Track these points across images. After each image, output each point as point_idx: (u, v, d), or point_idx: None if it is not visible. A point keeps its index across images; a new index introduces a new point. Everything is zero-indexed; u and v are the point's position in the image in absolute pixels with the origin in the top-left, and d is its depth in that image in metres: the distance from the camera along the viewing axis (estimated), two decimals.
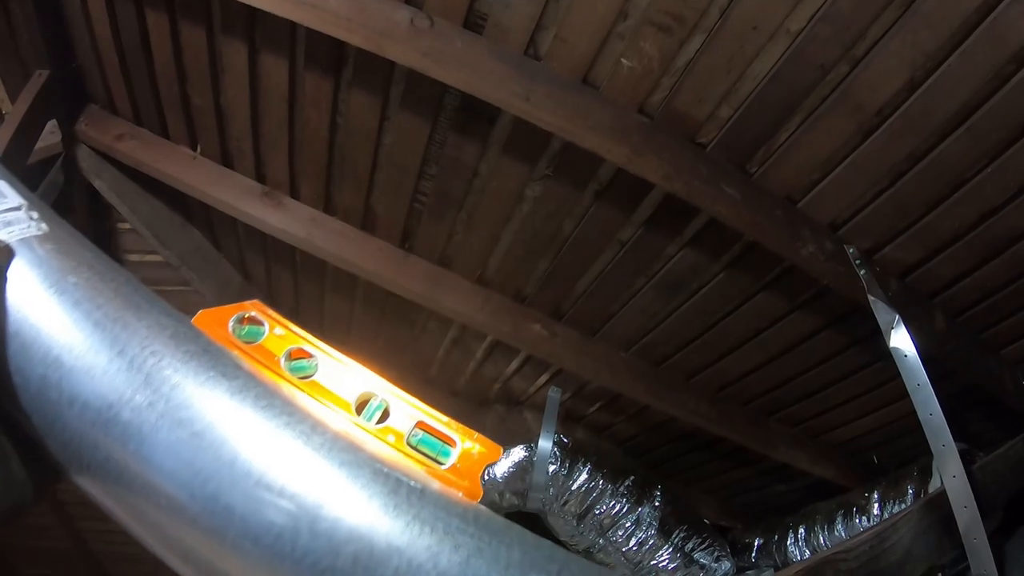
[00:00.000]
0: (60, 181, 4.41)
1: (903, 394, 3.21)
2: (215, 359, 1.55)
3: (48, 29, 3.81)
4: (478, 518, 1.56)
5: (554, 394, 4.96)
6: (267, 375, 1.76)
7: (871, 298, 3.24)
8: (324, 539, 1.41)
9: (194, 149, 4.28)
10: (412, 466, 1.87)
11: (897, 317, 3.17)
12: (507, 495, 4.97)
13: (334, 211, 4.26)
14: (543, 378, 5.14)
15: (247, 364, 1.64)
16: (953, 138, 2.84)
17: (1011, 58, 2.53)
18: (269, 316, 2.03)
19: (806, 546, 4.89)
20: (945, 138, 2.86)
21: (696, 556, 5.14)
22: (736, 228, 3.28)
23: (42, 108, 3.95)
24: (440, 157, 3.66)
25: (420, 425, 1.99)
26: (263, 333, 1.99)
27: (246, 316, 2.01)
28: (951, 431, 3.06)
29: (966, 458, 3.14)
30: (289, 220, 4.25)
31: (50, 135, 4.19)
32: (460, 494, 1.73)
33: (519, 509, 5.12)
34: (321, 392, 1.93)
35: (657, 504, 5.09)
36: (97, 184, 4.48)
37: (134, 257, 5.13)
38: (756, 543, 5.31)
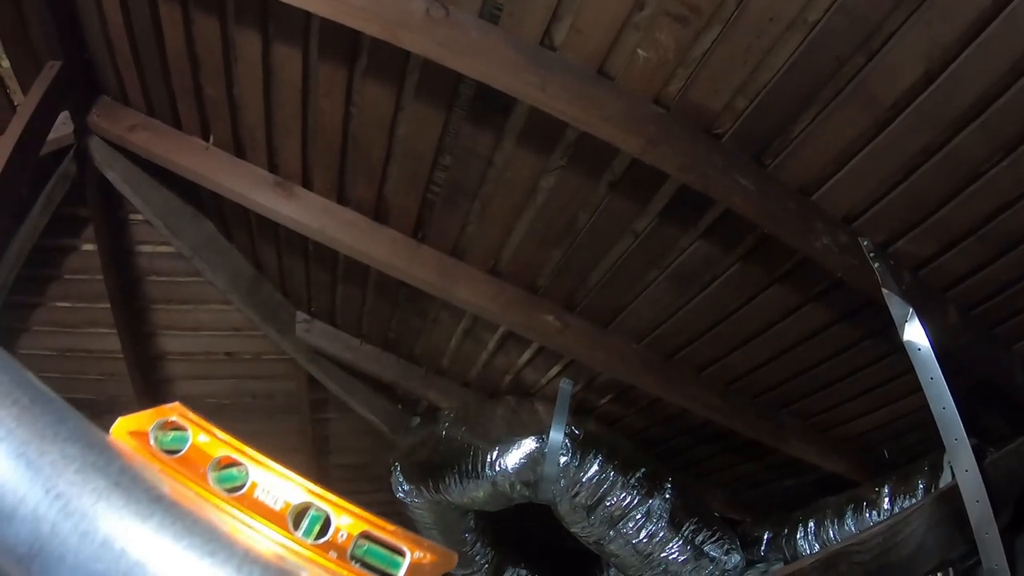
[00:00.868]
0: (72, 172, 4.44)
1: (914, 388, 3.21)
2: (127, 493, 1.45)
3: (60, 20, 3.81)
4: None
5: (565, 386, 4.97)
6: (191, 496, 1.66)
7: (885, 291, 3.23)
8: None
9: (206, 140, 4.28)
10: None
11: (911, 310, 3.17)
12: (518, 486, 4.98)
13: (347, 201, 4.25)
14: (555, 369, 5.14)
15: (167, 487, 1.54)
16: (968, 131, 2.82)
17: None
18: (191, 421, 1.90)
19: (815, 540, 4.91)
20: (960, 131, 2.84)
21: (706, 549, 5.16)
22: (751, 219, 3.27)
23: (54, 99, 3.95)
24: (454, 147, 3.66)
25: (365, 535, 1.88)
26: (187, 440, 1.89)
27: (167, 422, 1.91)
28: (963, 425, 3.06)
29: (977, 453, 3.14)
30: (302, 210, 4.24)
31: (62, 126, 4.21)
32: None
33: (530, 500, 5.14)
34: (252, 506, 1.82)
35: (667, 497, 5.11)
36: (109, 175, 4.50)
37: (146, 248, 5.16)
38: (766, 537, 5.33)
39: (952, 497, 3.18)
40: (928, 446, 4.16)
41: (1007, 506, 3.37)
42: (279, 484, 1.83)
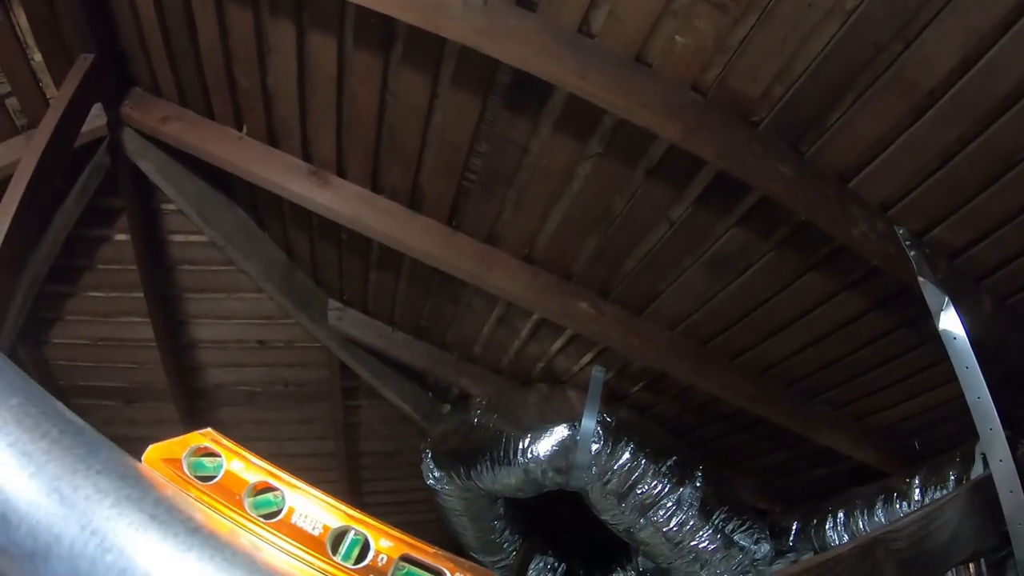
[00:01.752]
0: (106, 164, 4.49)
1: (948, 378, 3.19)
2: (164, 526, 1.38)
3: (91, 13, 3.86)
4: None
5: (598, 373, 4.98)
6: (227, 524, 1.61)
7: (921, 280, 3.21)
8: None
9: (240, 129, 4.31)
10: None
11: (947, 299, 3.15)
12: (550, 473, 4.99)
13: (382, 190, 4.27)
14: (587, 357, 5.14)
15: (203, 518, 1.48)
16: (1005, 119, 2.81)
17: None
18: (224, 447, 1.90)
19: (845, 531, 4.88)
20: (997, 119, 2.82)
21: (736, 538, 5.15)
22: (788, 207, 3.28)
23: (87, 92, 4.01)
24: (490, 135, 3.66)
25: (404, 558, 1.83)
26: (221, 467, 1.85)
27: (200, 447, 1.88)
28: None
29: (1010, 444, 3.11)
30: (336, 199, 4.27)
31: (95, 119, 4.25)
32: None
33: (561, 488, 5.14)
34: (290, 532, 1.79)
35: (698, 485, 5.10)
36: (143, 166, 4.55)
37: (179, 238, 5.20)
38: (795, 527, 5.31)
39: (986, 487, 3.15)
40: (961, 437, 4.13)
41: None
42: (316, 508, 1.84)
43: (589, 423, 4.85)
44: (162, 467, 1.74)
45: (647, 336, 4.53)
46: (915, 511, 4.02)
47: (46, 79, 4.08)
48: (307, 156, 4.28)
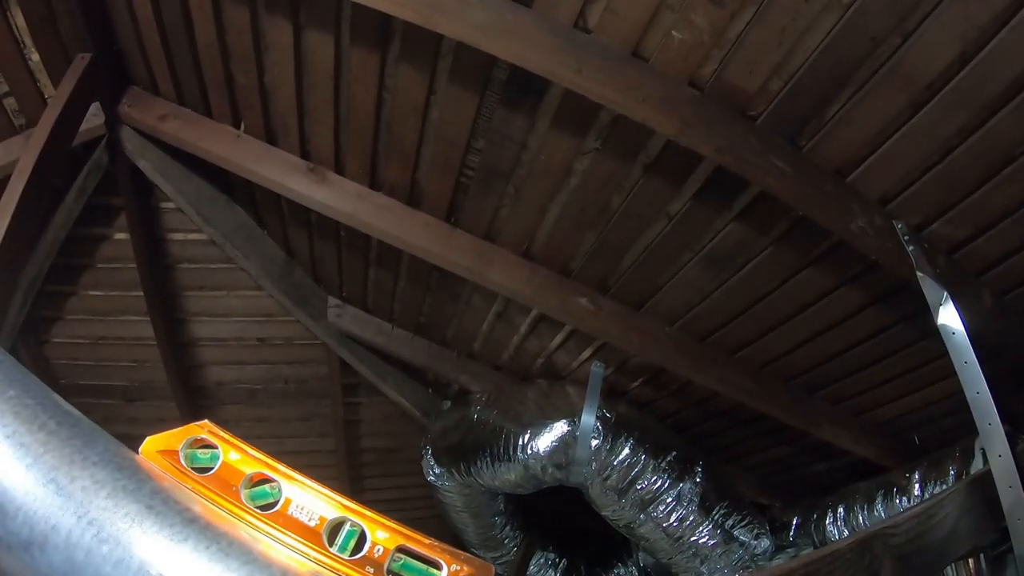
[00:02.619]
0: (104, 162, 4.49)
1: (947, 373, 3.19)
2: (160, 516, 1.40)
3: (89, 12, 3.86)
4: None
5: (597, 369, 4.97)
6: (223, 514, 1.64)
7: (919, 274, 3.21)
8: None
9: (238, 127, 4.31)
10: None
11: (945, 294, 3.14)
12: (550, 469, 5.00)
13: (380, 186, 4.27)
14: (586, 352, 5.14)
15: (200, 508, 1.50)
16: (1004, 113, 2.79)
17: None
18: (221, 438, 1.89)
19: (845, 526, 4.89)
20: (996, 113, 2.81)
21: (736, 533, 5.16)
22: (786, 201, 3.27)
23: (85, 91, 4.01)
24: (488, 131, 3.66)
25: (401, 549, 1.82)
26: (218, 458, 1.84)
27: (197, 439, 1.87)
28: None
29: (1010, 440, 3.11)
30: (335, 196, 4.26)
31: (93, 117, 4.25)
32: None
33: (561, 483, 5.15)
34: (287, 523, 1.78)
35: (698, 480, 5.11)
36: (141, 164, 4.55)
37: (178, 236, 5.21)
38: (795, 522, 5.32)
39: (985, 482, 3.15)
40: (960, 432, 4.14)
41: None
42: (313, 500, 1.82)
43: (589, 419, 4.85)
44: (158, 459, 1.74)
45: (646, 331, 4.53)
46: (914, 506, 4.02)
47: (44, 78, 4.08)
48: (305, 153, 4.27)
